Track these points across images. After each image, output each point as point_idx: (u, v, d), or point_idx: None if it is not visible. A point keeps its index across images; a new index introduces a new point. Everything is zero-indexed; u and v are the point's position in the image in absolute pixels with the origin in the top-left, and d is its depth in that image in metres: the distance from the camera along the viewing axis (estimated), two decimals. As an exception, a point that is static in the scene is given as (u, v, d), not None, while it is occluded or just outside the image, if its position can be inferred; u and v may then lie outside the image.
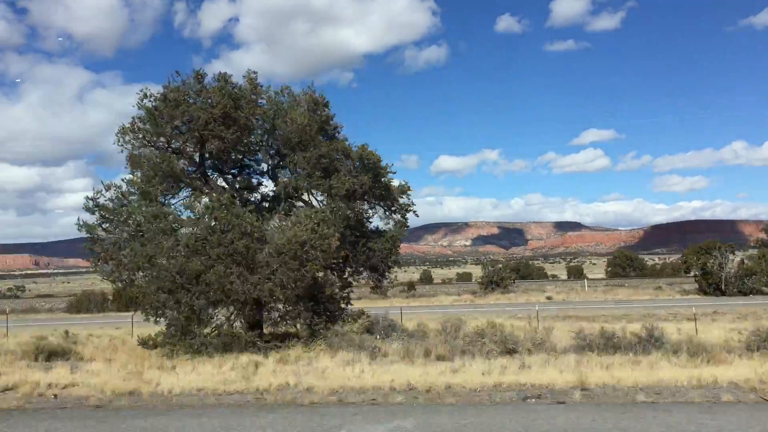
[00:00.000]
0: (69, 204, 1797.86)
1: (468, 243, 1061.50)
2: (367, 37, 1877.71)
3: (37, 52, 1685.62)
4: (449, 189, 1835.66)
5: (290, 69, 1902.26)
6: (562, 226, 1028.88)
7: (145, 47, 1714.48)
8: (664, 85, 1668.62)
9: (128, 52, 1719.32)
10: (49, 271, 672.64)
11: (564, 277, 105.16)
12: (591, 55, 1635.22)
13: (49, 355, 17.59)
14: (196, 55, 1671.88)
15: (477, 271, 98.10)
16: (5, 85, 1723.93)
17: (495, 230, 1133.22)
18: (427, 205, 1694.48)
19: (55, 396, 12.45)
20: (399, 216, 20.59)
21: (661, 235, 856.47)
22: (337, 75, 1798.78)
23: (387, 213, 20.70)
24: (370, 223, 20.87)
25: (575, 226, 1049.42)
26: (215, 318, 17.73)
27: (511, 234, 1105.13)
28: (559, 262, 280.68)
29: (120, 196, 18.29)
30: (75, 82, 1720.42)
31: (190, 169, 19.31)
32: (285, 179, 19.62)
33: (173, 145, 18.83)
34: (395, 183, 20.32)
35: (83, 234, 18.13)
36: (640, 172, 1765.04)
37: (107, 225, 18.04)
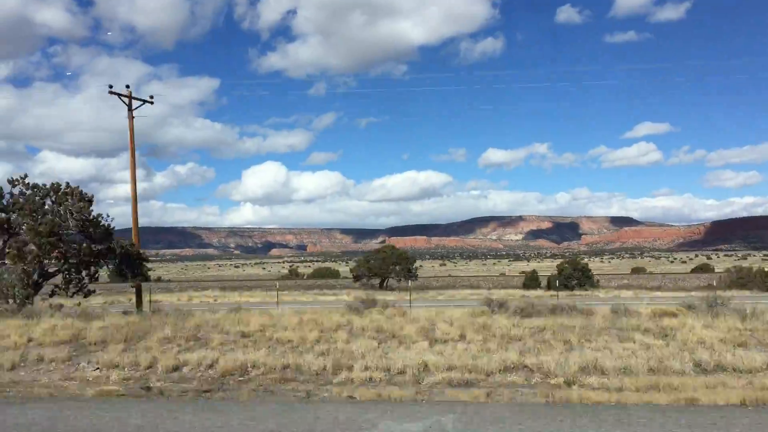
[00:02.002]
0: (120, 194, 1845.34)
1: (520, 237, 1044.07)
2: (424, 29, 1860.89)
3: (99, 45, 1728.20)
4: (495, 182, 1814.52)
5: (344, 61, 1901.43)
6: (617, 221, 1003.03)
7: (203, 40, 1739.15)
8: (723, 77, 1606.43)
9: (186, 45, 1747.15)
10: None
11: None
12: (651, 47, 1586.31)
13: None
14: (252, 47, 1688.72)
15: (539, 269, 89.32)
16: (66, 78, 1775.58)
17: (546, 224, 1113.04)
18: (472, 199, 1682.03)
19: None
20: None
21: (721, 231, 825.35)
22: (390, 67, 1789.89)
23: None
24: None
25: (628, 221, 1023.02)
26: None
27: (562, 228, 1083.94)
28: (621, 258, 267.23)
29: None
30: (133, 74, 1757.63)
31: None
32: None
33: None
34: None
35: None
36: (691, 166, 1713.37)
37: None
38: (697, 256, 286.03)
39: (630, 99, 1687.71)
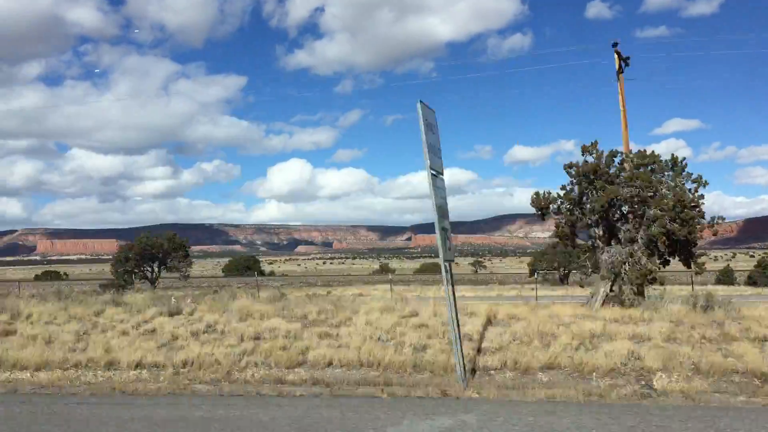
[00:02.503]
0: (147, 191, 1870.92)
1: (548, 235, 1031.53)
2: (452, 26, 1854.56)
3: (129, 44, 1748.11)
4: (520, 180, 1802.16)
5: (371, 58, 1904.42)
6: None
7: (231, 38, 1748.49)
8: (755, 73, 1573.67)
9: (214, 43, 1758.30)
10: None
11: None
12: (682, 42, 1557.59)
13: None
14: (280, 45, 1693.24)
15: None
16: (96, 76, 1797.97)
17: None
18: (497, 196, 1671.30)
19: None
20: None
21: (756, 228, 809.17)
22: (417, 64, 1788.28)
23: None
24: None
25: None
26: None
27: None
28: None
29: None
30: (161, 72, 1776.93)
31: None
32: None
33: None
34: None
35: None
36: (721, 163, 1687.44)
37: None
38: (734, 255, 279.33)
39: (660, 95, 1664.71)
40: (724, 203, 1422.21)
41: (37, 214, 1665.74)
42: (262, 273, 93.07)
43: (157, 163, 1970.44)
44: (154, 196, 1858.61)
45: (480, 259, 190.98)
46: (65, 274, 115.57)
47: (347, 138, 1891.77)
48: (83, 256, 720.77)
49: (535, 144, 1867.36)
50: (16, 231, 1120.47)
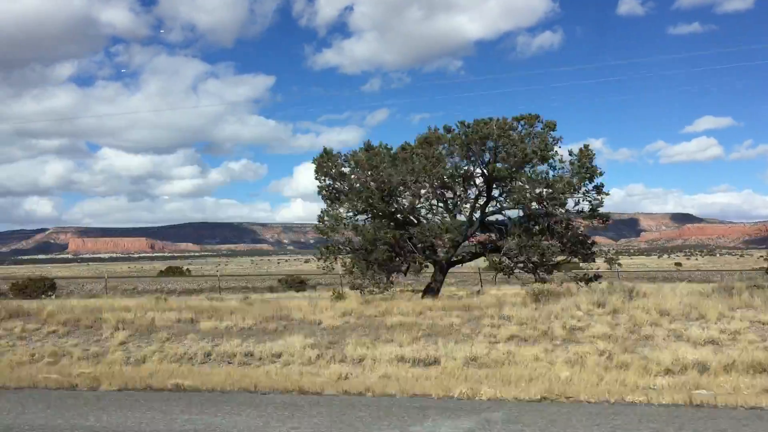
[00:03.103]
0: (175, 190, 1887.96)
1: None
2: (481, 24, 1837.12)
3: (160, 44, 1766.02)
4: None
5: (399, 57, 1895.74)
6: (678, 218, 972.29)
7: (260, 38, 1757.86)
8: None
9: (244, 43, 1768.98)
10: (166, 254, 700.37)
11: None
12: (716, 38, 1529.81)
13: None
14: (308, 44, 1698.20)
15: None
16: (127, 77, 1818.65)
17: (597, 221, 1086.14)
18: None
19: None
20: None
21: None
22: (446, 63, 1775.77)
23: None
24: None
25: (689, 218, 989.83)
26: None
27: (618, 225, 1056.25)
28: (695, 255, 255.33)
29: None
30: (191, 72, 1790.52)
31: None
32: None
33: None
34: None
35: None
36: (753, 162, 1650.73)
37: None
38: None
39: (691, 93, 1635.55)
40: (755, 202, 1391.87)
41: (67, 212, 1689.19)
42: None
43: (185, 162, 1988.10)
44: (182, 195, 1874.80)
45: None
46: (188, 270, 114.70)
47: (374, 137, 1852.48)
48: (114, 254, 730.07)
49: (562, 142, 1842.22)
50: (47, 229, 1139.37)
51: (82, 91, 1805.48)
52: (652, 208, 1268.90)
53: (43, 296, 40.76)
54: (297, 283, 50.89)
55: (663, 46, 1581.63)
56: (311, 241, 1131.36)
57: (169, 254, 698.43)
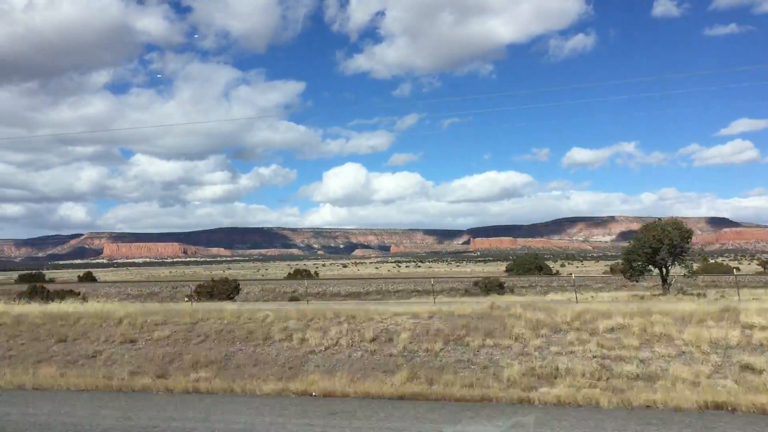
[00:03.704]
0: (206, 196, 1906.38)
1: (609, 238, 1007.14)
2: (514, 27, 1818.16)
3: (193, 51, 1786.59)
4: (577, 183, 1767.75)
5: (430, 62, 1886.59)
6: (714, 222, 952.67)
7: (292, 44, 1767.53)
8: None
9: (276, 49, 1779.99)
10: (199, 259, 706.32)
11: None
12: (753, 39, 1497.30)
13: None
14: (339, 50, 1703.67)
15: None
16: (160, 83, 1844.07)
17: (635, 225, 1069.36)
18: (553, 200, 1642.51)
19: None
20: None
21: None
22: (477, 67, 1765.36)
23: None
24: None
25: (725, 222, 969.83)
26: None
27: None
28: (734, 259, 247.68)
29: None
30: (223, 79, 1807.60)
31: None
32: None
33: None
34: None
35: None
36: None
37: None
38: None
39: (727, 95, 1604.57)
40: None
41: (101, 218, 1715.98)
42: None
43: (216, 168, 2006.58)
44: (212, 200, 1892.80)
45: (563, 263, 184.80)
46: (316, 273, 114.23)
47: (403, 142, 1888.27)
48: (147, 259, 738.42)
49: (594, 146, 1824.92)
50: (82, 235, 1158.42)
51: (116, 99, 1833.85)
52: (685, 212, 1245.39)
53: (228, 298, 39.90)
54: (495, 286, 50.34)
55: (698, 48, 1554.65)
56: (341, 246, 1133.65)
57: (202, 259, 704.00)
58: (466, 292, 48.78)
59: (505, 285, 53.46)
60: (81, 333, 19.49)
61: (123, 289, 74.66)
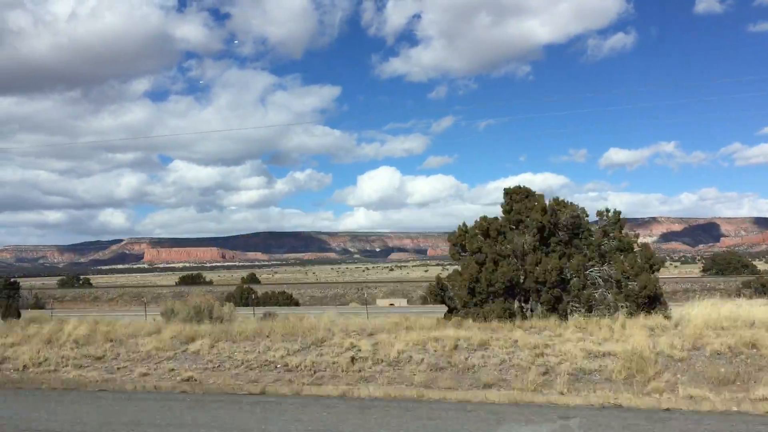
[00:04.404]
0: (242, 200, 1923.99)
1: (651, 240, 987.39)
2: (552, 27, 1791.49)
3: (231, 58, 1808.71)
4: (614, 184, 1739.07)
5: (466, 64, 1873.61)
6: (761, 222, 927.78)
7: (328, 49, 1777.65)
8: None
9: (312, 54, 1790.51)
10: (237, 263, 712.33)
11: None
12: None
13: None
14: (375, 54, 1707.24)
15: None
16: (198, 90, 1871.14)
17: (676, 226, 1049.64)
18: (589, 201, 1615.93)
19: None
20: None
21: None
22: (513, 68, 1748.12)
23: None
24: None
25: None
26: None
27: (695, 231, 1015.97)
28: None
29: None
30: (260, 84, 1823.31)
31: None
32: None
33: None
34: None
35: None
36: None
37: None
38: None
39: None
40: None
41: (139, 223, 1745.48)
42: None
43: (252, 173, 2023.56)
44: (249, 205, 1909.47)
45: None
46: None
47: (438, 145, 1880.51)
48: (187, 264, 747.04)
49: (632, 146, 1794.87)
50: (122, 240, 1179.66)
51: (155, 106, 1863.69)
52: (726, 212, 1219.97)
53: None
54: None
55: (741, 45, 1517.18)
56: (377, 249, 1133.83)
57: (240, 263, 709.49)
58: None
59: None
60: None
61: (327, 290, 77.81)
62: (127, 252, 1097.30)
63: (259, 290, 70.42)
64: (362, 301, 60.43)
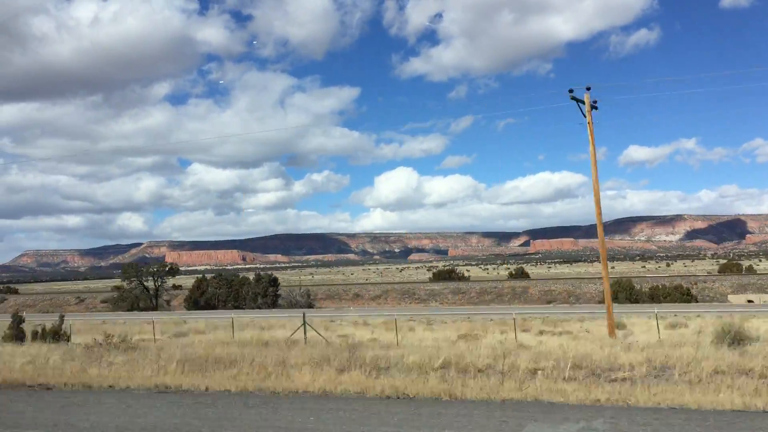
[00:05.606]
0: (260, 203, 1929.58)
1: (675, 238, 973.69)
2: (574, 24, 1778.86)
3: (251, 60, 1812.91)
4: (633, 182, 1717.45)
5: (487, 62, 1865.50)
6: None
7: (348, 49, 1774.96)
8: None
9: (333, 55, 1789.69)
10: (256, 265, 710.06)
11: None
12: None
13: None
14: (396, 54, 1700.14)
15: None
16: (218, 93, 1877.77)
17: (700, 224, 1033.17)
18: (608, 199, 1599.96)
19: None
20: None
21: None
22: (535, 66, 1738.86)
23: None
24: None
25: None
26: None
27: (719, 228, 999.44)
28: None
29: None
30: (279, 87, 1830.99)
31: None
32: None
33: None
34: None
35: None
36: None
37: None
38: None
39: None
40: None
41: (157, 227, 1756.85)
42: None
43: (270, 175, 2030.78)
44: (266, 207, 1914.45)
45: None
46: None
47: (457, 144, 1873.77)
48: (207, 266, 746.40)
49: (652, 144, 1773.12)
50: (142, 244, 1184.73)
51: (175, 110, 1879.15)
52: (746, 209, 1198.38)
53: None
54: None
55: (765, 39, 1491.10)
56: (396, 250, 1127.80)
57: (261, 265, 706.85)
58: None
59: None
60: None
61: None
62: (147, 255, 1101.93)
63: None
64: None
